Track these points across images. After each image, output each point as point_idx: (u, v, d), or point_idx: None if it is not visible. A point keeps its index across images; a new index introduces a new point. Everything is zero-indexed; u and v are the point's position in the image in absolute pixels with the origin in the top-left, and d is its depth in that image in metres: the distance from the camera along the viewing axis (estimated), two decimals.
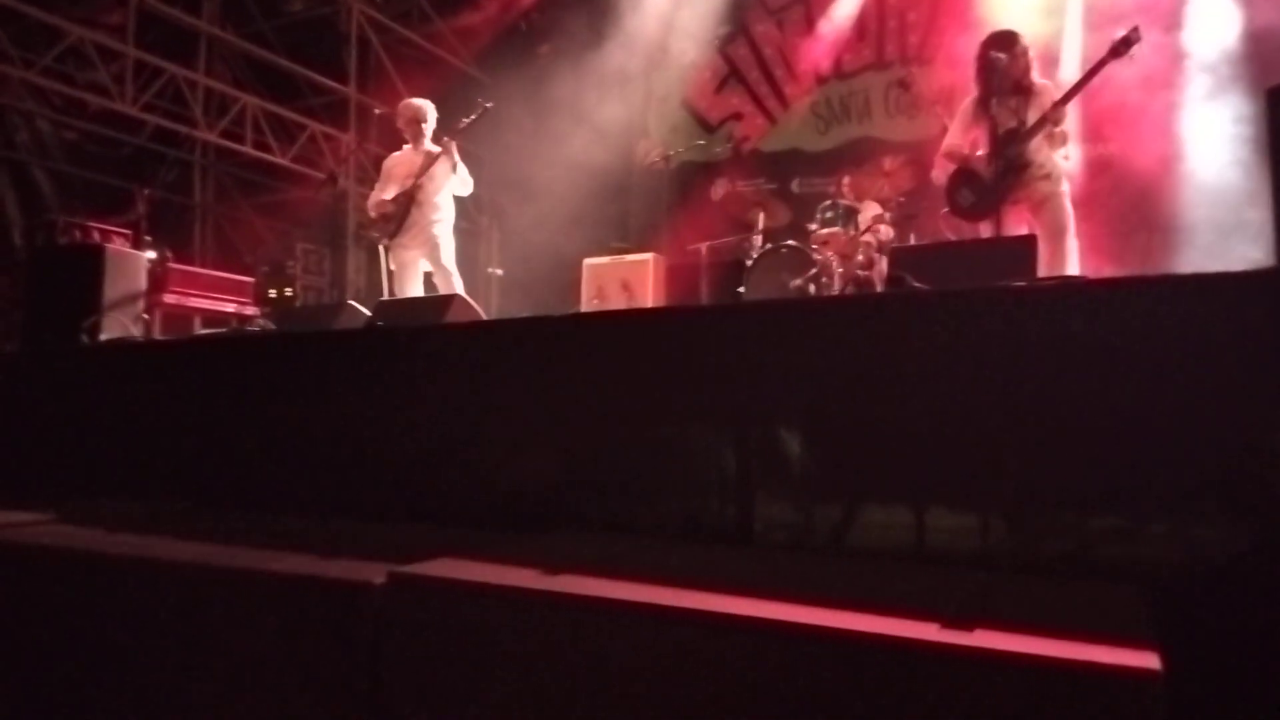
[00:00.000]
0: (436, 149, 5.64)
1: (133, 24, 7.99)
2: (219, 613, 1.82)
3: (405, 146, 5.81)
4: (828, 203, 6.33)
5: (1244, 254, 5.60)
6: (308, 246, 9.62)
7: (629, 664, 1.44)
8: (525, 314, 3.14)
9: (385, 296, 5.56)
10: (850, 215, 6.20)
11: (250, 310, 7.89)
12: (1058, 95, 4.32)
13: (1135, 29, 4.08)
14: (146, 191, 7.54)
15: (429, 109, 5.76)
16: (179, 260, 7.73)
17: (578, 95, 9.14)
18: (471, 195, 5.98)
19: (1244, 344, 1.77)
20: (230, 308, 7.70)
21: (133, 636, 1.94)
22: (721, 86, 9.71)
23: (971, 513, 1.97)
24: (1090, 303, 1.95)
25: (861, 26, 8.81)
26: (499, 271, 10.16)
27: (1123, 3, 6.33)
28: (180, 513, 2.75)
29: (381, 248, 5.77)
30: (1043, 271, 3.28)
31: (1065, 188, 4.47)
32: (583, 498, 2.45)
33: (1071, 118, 4.57)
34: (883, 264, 5.71)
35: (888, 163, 6.45)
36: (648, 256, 7.29)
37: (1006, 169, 4.33)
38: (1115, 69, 4.20)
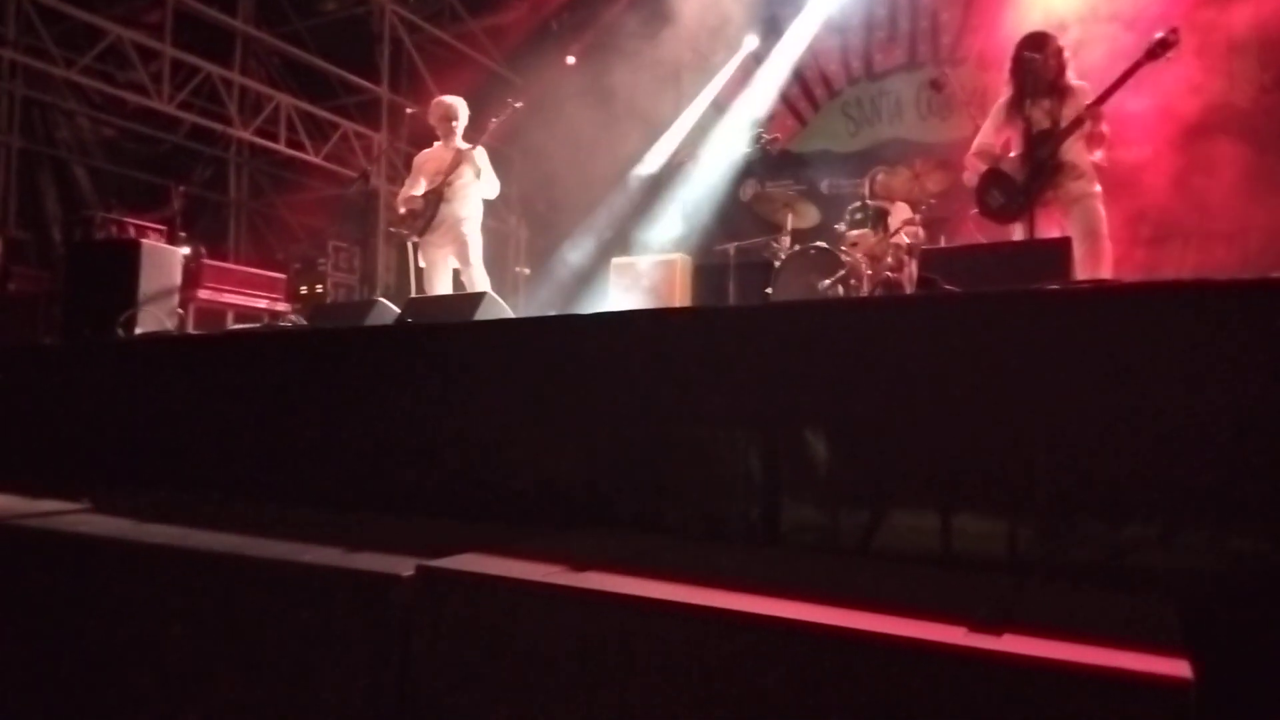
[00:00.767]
0: (467, 147, 5.68)
1: (170, 23, 8.13)
2: (250, 602, 1.84)
3: (436, 143, 5.85)
4: (857, 204, 6.28)
5: None
6: (339, 244, 9.72)
7: (655, 661, 1.44)
8: (552, 313, 3.15)
9: (415, 294, 5.61)
10: (880, 217, 6.15)
11: (282, 306, 7.99)
12: (1093, 96, 4.27)
13: (1174, 30, 4.01)
14: (182, 188, 7.67)
15: (461, 106, 5.80)
16: (213, 256, 7.85)
17: (607, 95, 9.15)
18: (500, 194, 6.01)
19: None
20: (262, 304, 7.80)
21: (164, 624, 1.97)
22: (752, 87, 9.68)
23: (1001, 518, 1.95)
24: (1126, 307, 1.93)
25: (893, 26, 8.76)
26: (526, 271, 10.21)
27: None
28: (211, 504, 2.78)
29: (411, 245, 5.82)
30: (1076, 275, 3.25)
31: (1098, 189, 4.41)
32: (609, 496, 2.45)
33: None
34: (913, 267, 5.66)
35: (919, 164, 6.38)
36: (675, 256, 7.29)
37: (1038, 170, 4.29)
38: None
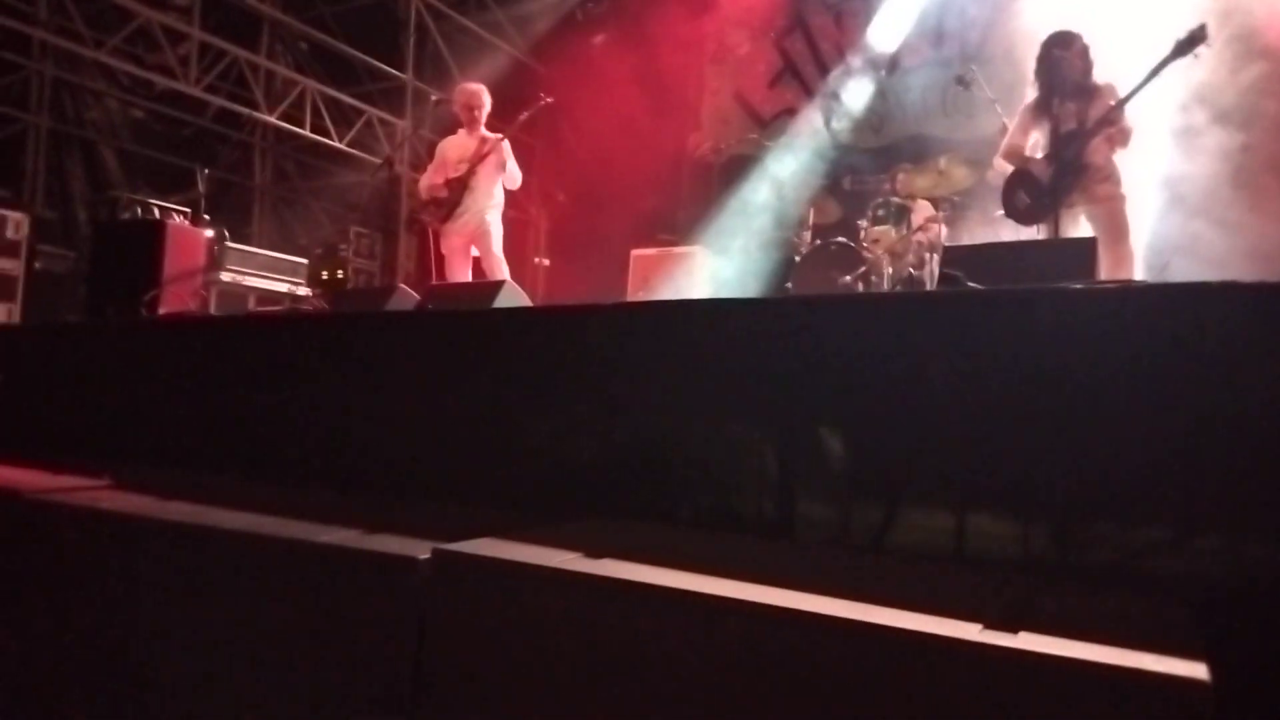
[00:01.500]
0: (491, 135, 5.69)
1: (199, 6, 8.18)
2: (268, 581, 1.86)
3: (460, 131, 5.86)
4: (880, 200, 6.24)
5: None
6: (360, 230, 9.76)
7: (667, 649, 1.45)
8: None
9: (435, 281, 5.63)
10: (902, 214, 6.12)
11: (303, 291, 8.04)
12: (1121, 95, 4.22)
13: (1202, 27, 3.93)
14: (207, 171, 7.71)
15: (484, 94, 5.81)
16: (236, 240, 7.90)
17: (631, 86, 9.14)
18: (521, 184, 6.02)
19: None
20: (284, 288, 7.84)
21: (181, 601, 2.00)
22: (776, 81, 9.62)
23: (1016, 518, 1.94)
24: (1149, 308, 1.91)
25: (920, 22, 8.68)
26: (546, 262, 10.21)
27: None
28: (230, 483, 2.81)
29: (432, 233, 5.85)
30: (1101, 276, 3.22)
31: (1124, 192, 4.37)
32: (623, 486, 2.46)
33: None
34: (934, 264, 5.62)
35: (943, 162, 6.33)
36: (695, 248, 7.27)
37: (1063, 171, 4.24)
38: None
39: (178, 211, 6.71)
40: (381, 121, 9.67)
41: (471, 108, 5.75)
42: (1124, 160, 4.42)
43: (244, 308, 7.24)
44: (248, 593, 1.89)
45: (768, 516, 2.24)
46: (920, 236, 5.91)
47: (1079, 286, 2.09)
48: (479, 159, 5.60)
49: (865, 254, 5.73)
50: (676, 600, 1.46)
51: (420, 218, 5.89)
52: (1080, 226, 4.35)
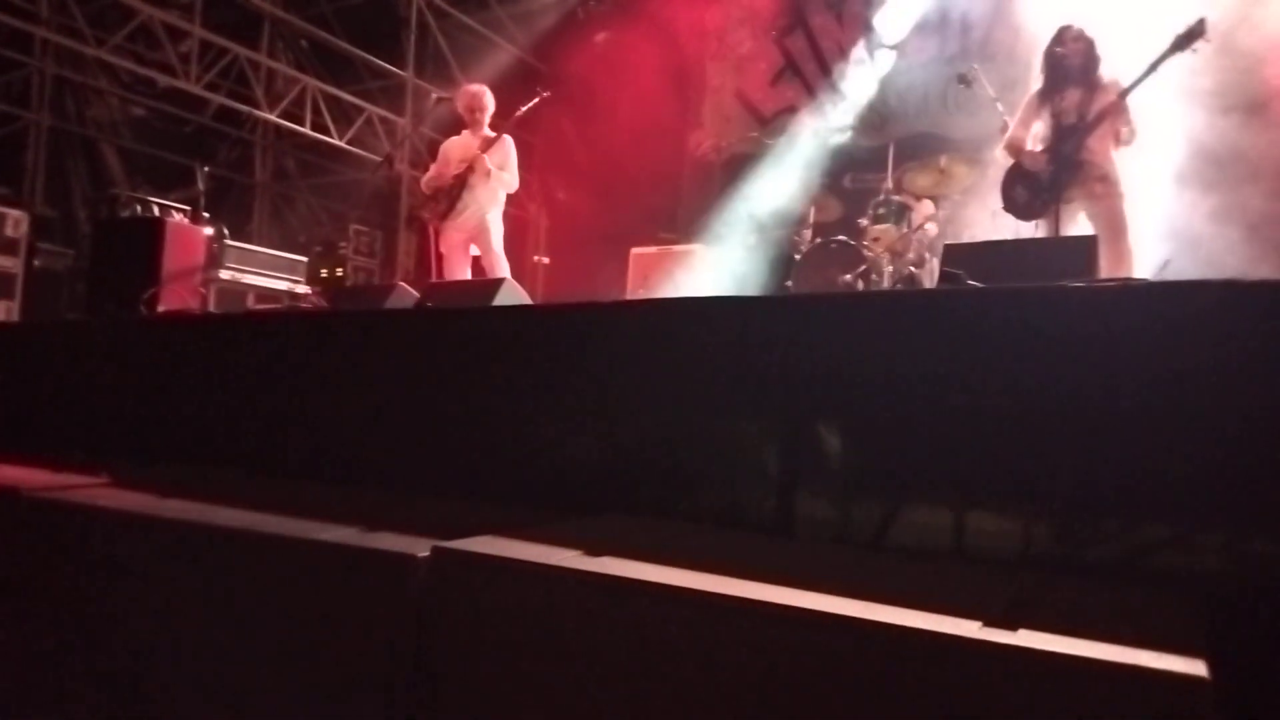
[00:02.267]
0: (493, 135, 5.70)
1: (200, 4, 8.17)
2: (266, 578, 1.86)
3: (464, 131, 5.87)
4: (880, 198, 6.24)
5: None
6: (360, 228, 9.76)
7: (669, 648, 1.44)
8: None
9: (434, 279, 5.63)
10: (903, 212, 6.12)
11: (302, 289, 8.04)
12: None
13: (1201, 21, 3.92)
14: (207, 169, 7.71)
15: (488, 95, 5.83)
16: (235, 237, 7.90)
17: (632, 84, 9.13)
18: (521, 182, 6.03)
19: None
20: (283, 285, 7.84)
21: (180, 599, 1.99)
22: (777, 79, 9.61)
23: (1018, 516, 1.94)
24: (1150, 305, 1.90)
25: (922, 19, 8.67)
26: (545, 260, 10.21)
27: None
28: (229, 480, 2.81)
29: (432, 231, 5.85)
30: (1102, 274, 3.21)
31: (1123, 191, 4.37)
32: (624, 483, 2.45)
33: None
34: (934, 262, 5.62)
35: (944, 160, 6.33)
36: (696, 246, 7.27)
37: (1061, 166, 4.24)
38: None
39: (177, 209, 6.71)
40: (382, 119, 9.66)
41: (474, 109, 5.77)
42: (1127, 156, 4.42)
43: (243, 306, 7.24)
44: (246, 590, 1.89)
45: (769, 514, 2.24)
46: (921, 235, 5.91)
47: (1080, 284, 2.09)
48: (480, 156, 5.60)
49: (866, 252, 5.73)
50: (677, 598, 1.46)
51: (420, 215, 5.90)
52: (1079, 223, 4.35)
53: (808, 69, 9.46)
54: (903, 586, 1.61)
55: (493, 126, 5.81)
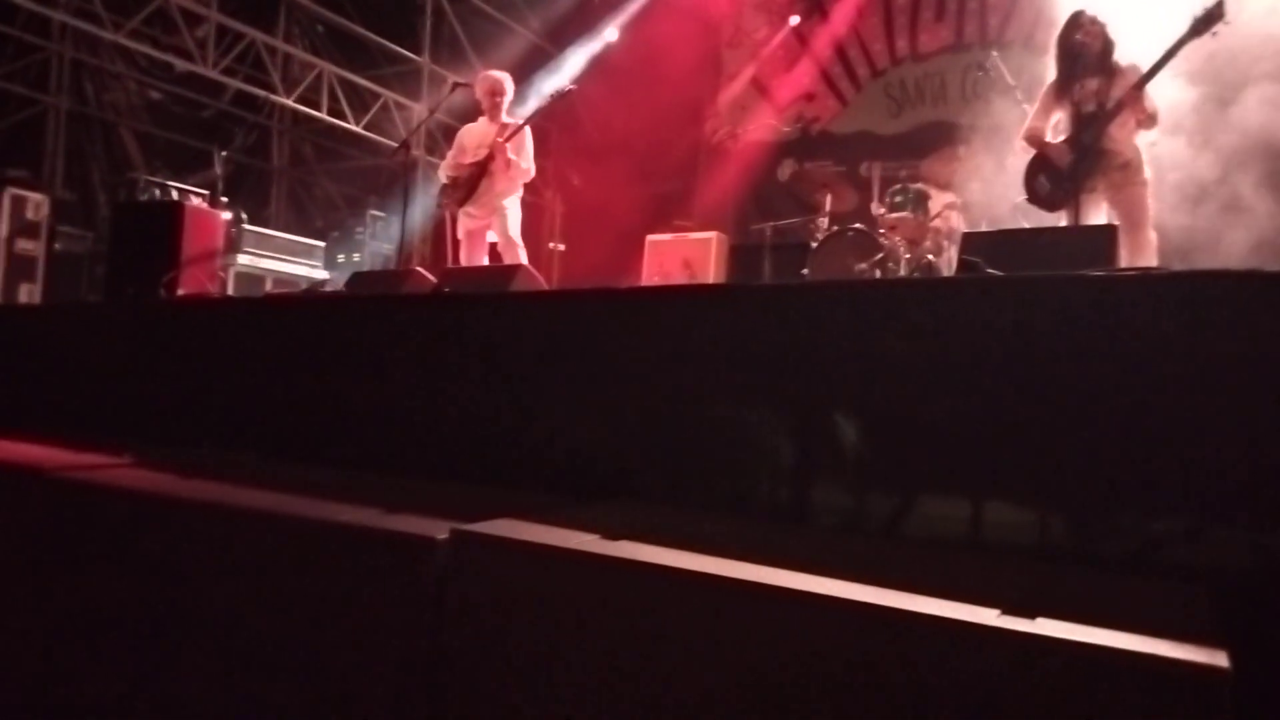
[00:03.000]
0: (512, 121, 5.69)
1: None
2: (285, 560, 1.88)
3: (481, 118, 5.87)
4: (898, 187, 6.20)
5: None
6: (377, 213, 9.79)
7: (685, 632, 1.45)
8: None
9: (451, 265, 5.64)
10: (921, 200, 6.08)
11: (320, 273, 8.08)
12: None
13: (1219, 4, 3.86)
14: (224, 154, 7.74)
15: (507, 82, 5.81)
16: (253, 222, 7.94)
17: (647, 71, 9.10)
18: (537, 169, 6.02)
19: None
20: (301, 270, 7.88)
21: (200, 579, 2.02)
22: (793, 66, 9.57)
23: (1033, 507, 1.93)
24: (1169, 295, 1.89)
25: (940, 7, 8.60)
26: (561, 247, 10.21)
27: None
28: (248, 463, 2.83)
29: (449, 216, 5.86)
30: (1122, 264, 3.19)
31: (1148, 175, 4.32)
32: (638, 470, 2.46)
33: None
34: (952, 252, 5.60)
35: (962, 149, 6.29)
36: (711, 235, 7.26)
37: (1083, 155, 4.20)
38: None
39: (196, 193, 6.75)
40: (398, 105, 9.67)
41: (494, 94, 5.75)
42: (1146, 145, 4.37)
43: (261, 290, 7.28)
44: (264, 571, 1.90)
45: (783, 501, 2.24)
46: (938, 223, 5.88)
47: (1099, 274, 2.07)
48: (501, 145, 5.60)
49: (882, 240, 5.70)
50: (694, 582, 1.46)
51: (438, 202, 5.91)
52: (1102, 212, 4.30)
53: (824, 56, 9.40)
54: (919, 574, 1.61)
55: (512, 113, 5.81)
